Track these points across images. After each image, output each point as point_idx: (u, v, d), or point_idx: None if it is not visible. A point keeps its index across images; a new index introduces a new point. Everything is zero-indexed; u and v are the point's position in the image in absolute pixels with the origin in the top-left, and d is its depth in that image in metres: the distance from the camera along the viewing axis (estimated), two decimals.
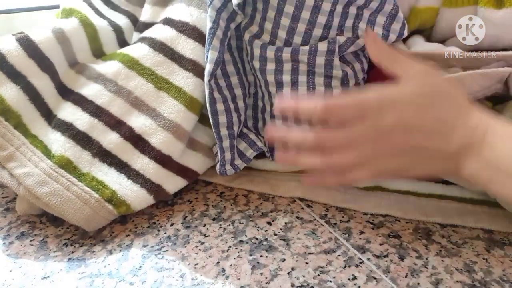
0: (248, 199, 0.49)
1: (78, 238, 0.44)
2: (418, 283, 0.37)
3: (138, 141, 0.48)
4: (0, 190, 0.52)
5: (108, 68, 0.52)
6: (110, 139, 0.48)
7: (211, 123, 0.48)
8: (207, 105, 0.47)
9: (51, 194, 0.43)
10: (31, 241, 0.43)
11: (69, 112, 0.49)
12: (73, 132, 0.47)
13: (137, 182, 0.46)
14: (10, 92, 0.47)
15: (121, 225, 0.45)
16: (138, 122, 0.49)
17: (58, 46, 0.51)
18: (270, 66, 0.46)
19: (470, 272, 0.38)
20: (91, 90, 0.50)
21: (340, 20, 0.44)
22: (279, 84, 0.47)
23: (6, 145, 0.45)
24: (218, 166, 0.49)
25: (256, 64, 0.47)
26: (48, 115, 0.49)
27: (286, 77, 0.46)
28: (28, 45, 0.49)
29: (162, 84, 0.50)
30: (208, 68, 0.46)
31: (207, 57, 0.46)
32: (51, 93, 0.50)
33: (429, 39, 0.55)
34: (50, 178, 0.44)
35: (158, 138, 0.48)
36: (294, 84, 0.47)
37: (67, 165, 0.45)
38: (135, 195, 0.45)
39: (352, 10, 0.44)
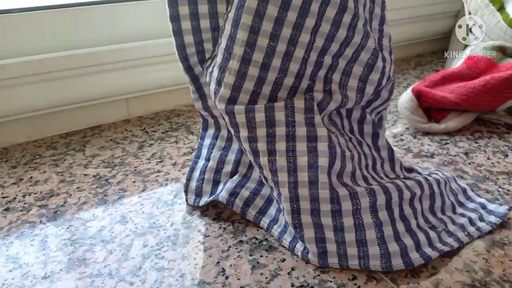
0: None
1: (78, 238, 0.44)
2: (418, 283, 0.37)
3: None
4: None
5: None
6: None
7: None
8: None
9: None
10: (31, 241, 0.43)
11: None
12: None
13: None
14: None
15: (121, 225, 0.45)
16: None
17: None
18: (243, 133, 0.40)
19: (470, 272, 0.38)
20: None
21: (313, 70, 0.40)
22: (256, 153, 0.40)
23: None
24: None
25: (231, 131, 0.41)
26: None
27: (262, 145, 0.40)
28: None
29: None
30: None
31: None
32: None
33: None
34: None
35: None
36: (272, 153, 0.39)
37: None
38: None
39: (327, 60, 0.40)
